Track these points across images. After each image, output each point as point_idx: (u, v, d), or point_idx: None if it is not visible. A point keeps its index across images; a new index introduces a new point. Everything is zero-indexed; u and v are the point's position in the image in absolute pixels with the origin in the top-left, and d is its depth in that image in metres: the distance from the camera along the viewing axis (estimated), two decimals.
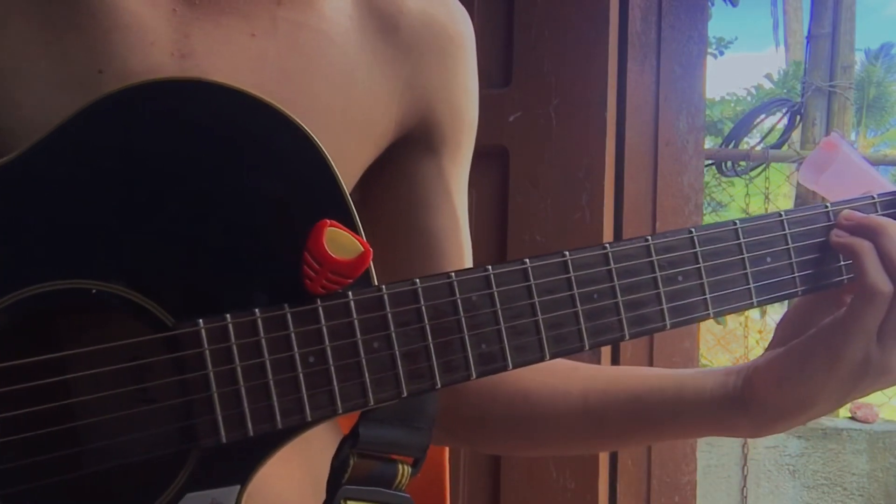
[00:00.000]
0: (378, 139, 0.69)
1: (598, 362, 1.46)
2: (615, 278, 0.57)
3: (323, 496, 0.57)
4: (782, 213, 0.64)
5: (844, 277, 0.65)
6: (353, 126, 0.66)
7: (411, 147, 0.73)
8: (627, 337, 0.58)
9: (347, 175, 0.67)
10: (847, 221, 0.64)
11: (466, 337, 0.54)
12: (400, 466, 0.59)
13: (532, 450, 0.92)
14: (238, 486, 0.50)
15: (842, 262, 0.65)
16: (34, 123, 0.54)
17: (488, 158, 1.55)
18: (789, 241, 0.63)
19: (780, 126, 3.44)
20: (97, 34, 0.57)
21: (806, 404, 0.63)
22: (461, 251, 0.75)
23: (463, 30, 0.73)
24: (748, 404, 0.65)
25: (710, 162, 3.12)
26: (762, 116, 3.39)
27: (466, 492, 1.56)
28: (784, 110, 3.39)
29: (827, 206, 0.65)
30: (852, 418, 3.30)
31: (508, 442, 0.79)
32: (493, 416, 0.73)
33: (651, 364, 1.62)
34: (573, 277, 0.56)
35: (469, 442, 0.81)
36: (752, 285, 0.62)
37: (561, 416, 0.71)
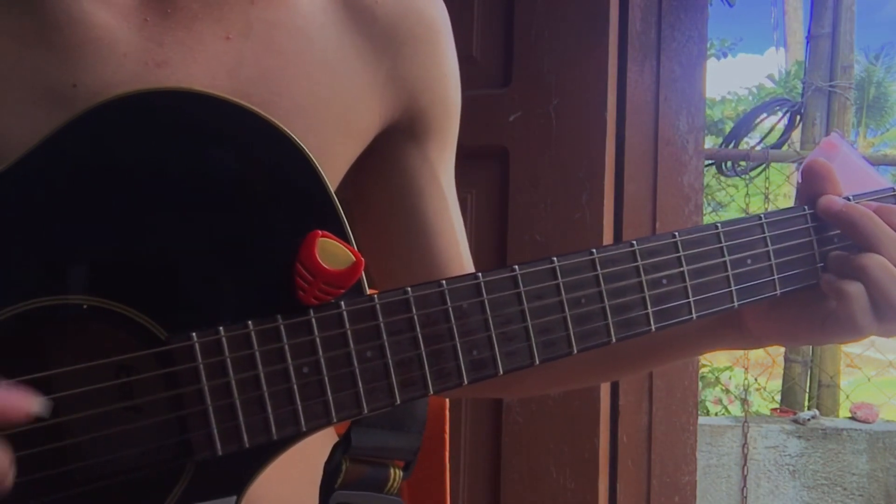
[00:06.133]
0: (363, 133, 0.69)
1: None
2: (602, 283, 0.58)
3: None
4: (762, 215, 0.65)
5: (821, 280, 0.66)
6: (337, 123, 0.66)
7: (397, 136, 0.72)
8: (614, 341, 0.58)
9: (334, 172, 0.67)
10: (836, 261, 0.65)
11: (458, 344, 0.54)
12: (392, 470, 0.60)
13: (551, 387, 0.94)
14: (234, 497, 0.51)
15: (818, 264, 0.66)
16: (7, 137, 0.54)
17: (488, 158, 1.55)
18: (769, 244, 0.64)
19: (781, 126, 3.43)
20: (68, 49, 0.56)
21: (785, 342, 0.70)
22: (453, 229, 0.76)
23: (438, 14, 0.72)
24: (740, 327, 0.70)
25: (710, 162, 3.11)
26: (762, 116, 3.38)
27: (466, 492, 1.56)
28: (784, 110, 3.37)
29: (804, 209, 0.66)
30: (852, 418, 3.30)
31: (534, 386, 0.80)
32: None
33: None
34: (561, 283, 0.57)
35: (496, 393, 0.81)
36: (733, 288, 0.63)
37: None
